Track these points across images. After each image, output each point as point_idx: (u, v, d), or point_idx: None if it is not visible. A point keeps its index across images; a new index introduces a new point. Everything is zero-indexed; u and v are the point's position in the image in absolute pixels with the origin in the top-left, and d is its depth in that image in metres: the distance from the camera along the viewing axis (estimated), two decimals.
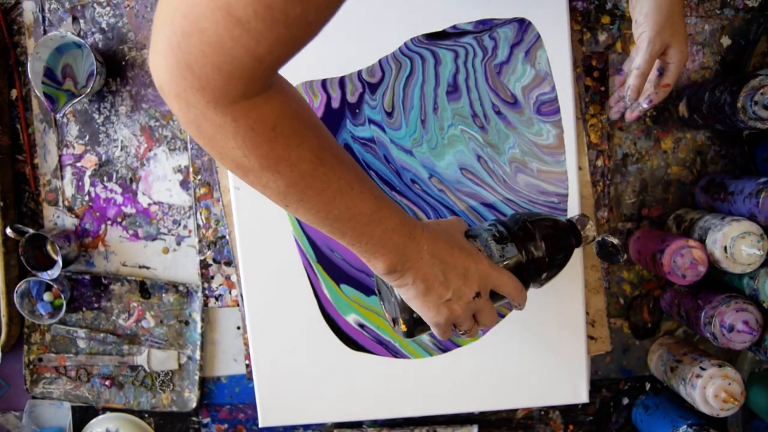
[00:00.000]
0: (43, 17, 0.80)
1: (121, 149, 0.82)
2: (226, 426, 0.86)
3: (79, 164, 0.82)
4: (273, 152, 0.43)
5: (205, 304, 0.82)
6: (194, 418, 0.86)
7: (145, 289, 0.83)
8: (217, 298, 0.82)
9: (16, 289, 0.78)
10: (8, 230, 0.77)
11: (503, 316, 0.75)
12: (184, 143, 0.81)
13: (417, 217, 0.73)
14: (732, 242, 0.68)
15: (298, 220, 0.73)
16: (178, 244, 0.83)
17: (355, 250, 0.51)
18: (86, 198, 0.82)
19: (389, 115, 0.72)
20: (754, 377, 0.81)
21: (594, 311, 0.79)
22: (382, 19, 0.71)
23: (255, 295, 0.75)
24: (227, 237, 0.81)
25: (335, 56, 0.72)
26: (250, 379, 0.83)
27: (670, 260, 0.70)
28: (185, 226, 0.82)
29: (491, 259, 0.58)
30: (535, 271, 0.61)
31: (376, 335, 0.75)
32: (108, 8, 0.80)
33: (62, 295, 0.79)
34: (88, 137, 0.82)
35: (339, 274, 0.74)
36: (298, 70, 0.69)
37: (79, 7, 0.80)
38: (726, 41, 0.79)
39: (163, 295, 0.83)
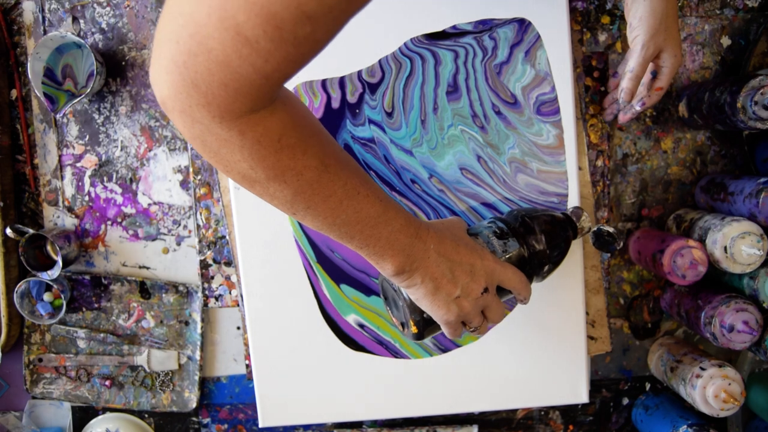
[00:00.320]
0: (43, 17, 0.80)
1: (121, 149, 0.82)
2: (226, 426, 0.86)
3: (79, 164, 0.82)
4: (279, 163, 0.43)
5: (205, 304, 0.82)
6: (194, 419, 0.86)
7: (145, 289, 0.83)
8: (217, 298, 0.82)
9: (16, 289, 0.78)
10: (8, 230, 0.77)
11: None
12: (184, 143, 0.81)
13: (417, 218, 0.73)
14: (732, 242, 0.68)
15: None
16: (178, 244, 0.83)
17: (364, 254, 0.51)
18: (86, 198, 0.82)
19: (389, 115, 0.72)
20: (754, 377, 0.81)
21: (594, 311, 0.79)
22: (382, 19, 0.71)
23: (255, 295, 0.75)
24: (227, 237, 0.81)
25: (335, 56, 0.72)
26: (250, 379, 0.83)
27: (670, 260, 0.70)
28: (185, 226, 0.82)
29: (495, 255, 0.59)
30: (538, 264, 0.63)
31: (376, 335, 0.75)
32: (108, 8, 0.80)
33: (62, 296, 0.79)
34: (88, 137, 0.82)
35: (339, 274, 0.74)
36: None
37: (79, 7, 0.80)
38: (726, 41, 0.79)
39: (163, 295, 0.83)
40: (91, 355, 0.84)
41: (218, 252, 0.82)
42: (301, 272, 0.74)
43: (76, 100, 0.76)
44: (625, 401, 0.85)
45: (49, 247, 0.81)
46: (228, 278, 0.82)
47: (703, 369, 0.72)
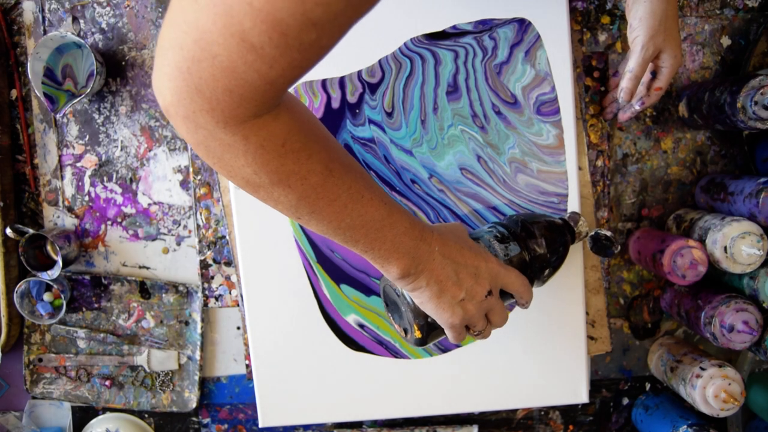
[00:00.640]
0: (43, 17, 0.80)
1: (121, 149, 0.82)
2: (226, 426, 0.86)
3: (79, 164, 0.82)
4: (283, 167, 0.43)
5: (205, 304, 0.82)
6: (194, 418, 0.86)
7: (145, 289, 0.83)
8: (217, 298, 0.82)
9: (16, 289, 0.78)
10: (8, 230, 0.77)
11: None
12: (184, 143, 0.81)
13: (421, 221, 0.73)
14: (732, 242, 0.68)
15: None
16: (178, 244, 0.83)
17: (369, 257, 0.51)
18: (86, 198, 0.82)
19: (389, 115, 0.72)
20: (754, 377, 0.81)
21: (594, 311, 0.79)
22: (382, 19, 0.71)
23: (255, 295, 0.75)
24: (227, 237, 0.81)
25: (335, 56, 0.71)
26: (250, 379, 0.83)
27: (670, 260, 0.70)
28: (185, 226, 0.82)
29: (498, 259, 0.59)
30: (539, 267, 0.63)
31: (376, 335, 0.75)
32: (108, 8, 0.80)
33: (62, 295, 0.79)
34: (88, 137, 0.82)
35: (339, 274, 0.74)
36: None
37: (79, 7, 0.80)
38: (726, 41, 0.79)
39: (163, 295, 0.83)
40: (91, 355, 0.84)
41: (218, 252, 0.82)
42: (301, 272, 0.74)
43: (76, 100, 0.76)
44: (625, 401, 0.85)
45: (49, 247, 0.81)
46: (228, 278, 0.82)
47: (703, 369, 0.72)
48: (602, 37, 0.79)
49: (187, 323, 0.84)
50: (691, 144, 0.81)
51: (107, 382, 0.84)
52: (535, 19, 0.71)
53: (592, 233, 0.70)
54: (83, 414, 0.85)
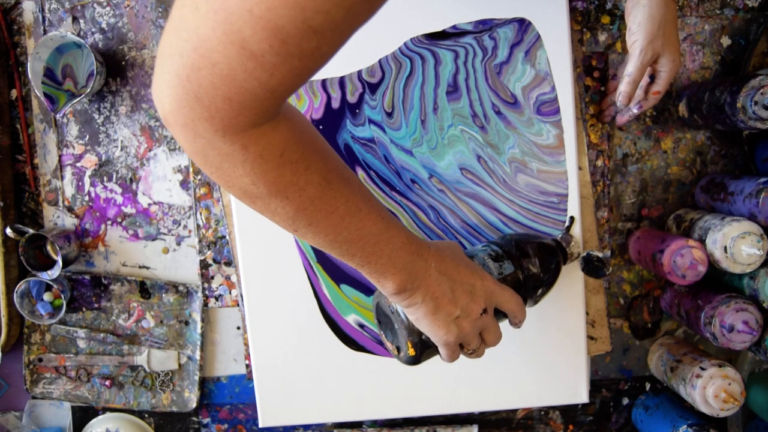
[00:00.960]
0: (43, 17, 0.80)
1: (121, 149, 0.82)
2: (226, 426, 0.86)
3: (79, 164, 0.82)
4: (281, 178, 0.43)
5: (205, 304, 0.82)
6: (194, 418, 0.86)
7: (145, 289, 0.83)
8: (217, 298, 0.82)
9: (16, 289, 0.78)
10: (8, 230, 0.77)
11: None
12: None
13: (417, 218, 0.73)
14: (732, 242, 0.68)
15: None
16: (178, 244, 0.83)
17: (365, 272, 0.51)
18: (86, 198, 0.82)
19: (389, 115, 0.72)
20: (754, 377, 0.81)
21: (594, 311, 0.79)
22: (382, 19, 0.71)
23: (255, 295, 0.75)
24: (227, 237, 0.81)
25: (335, 56, 0.71)
26: (250, 379, 0.83)
27: (670, 260, 0.70)
28: (185, 226, 0.82)
29: (493, 277, 0.59)
30: (533, 286, 0.64)
31: (376, 335, 0.75)
32: (108, 8, 0.80)
33: (62, 295, 0.79)
34: (88, 137, 0.82)
35: (339, 274, 0.74)
36: None
37: (79, 7, 0.80)
38: (726, 41, 0.79)
39: (163, 295, 0.83)
40: (91, 355, 0.84)
41: (218, 252, 0.82)
42: (301, 272, 0.74)
43: (76, 100, 0.76)
44: (625, 401, 0.85)
45: (49, 247, 0.81)
46: (228, 278, 0.82)
47: (703, 369, 0.72)
48: (602, 37, 0.79)
49: (187, 323, 0.84)
50: (691, 144, 0.81)
51: (107, 382, 0.84)
52: (535, 19, 0.71)
53: (584, 254, 0.72)
54: (83, 414, 0.85)
